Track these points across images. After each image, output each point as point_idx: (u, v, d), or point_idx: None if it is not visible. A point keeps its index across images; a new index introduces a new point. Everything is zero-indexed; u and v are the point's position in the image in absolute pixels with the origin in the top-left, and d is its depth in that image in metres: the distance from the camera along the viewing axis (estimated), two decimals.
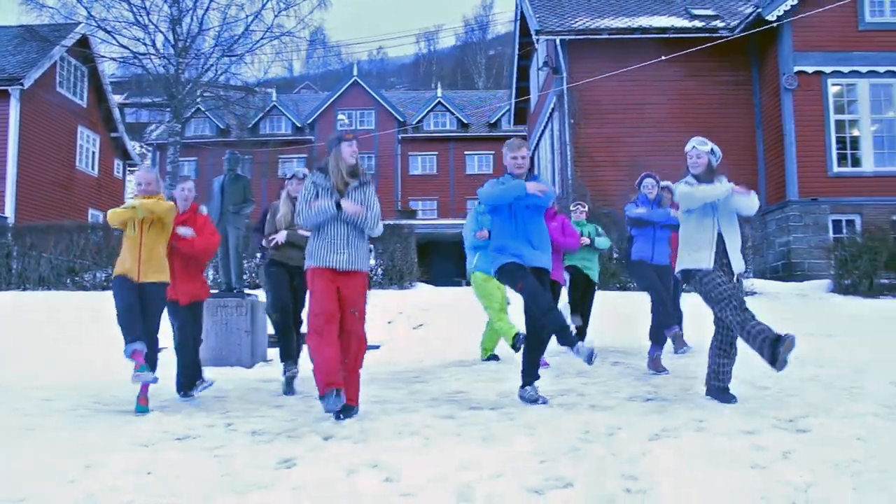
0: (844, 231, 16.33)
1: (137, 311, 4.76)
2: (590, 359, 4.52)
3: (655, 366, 6.15)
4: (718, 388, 4.63)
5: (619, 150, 18.30)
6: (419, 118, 38.08)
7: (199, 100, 21.67)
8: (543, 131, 22.41)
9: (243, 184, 8.93)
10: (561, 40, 18.60)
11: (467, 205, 34.90)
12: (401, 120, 37.03)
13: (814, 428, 3.78)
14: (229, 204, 8.72)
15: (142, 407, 4.77)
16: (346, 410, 4.38)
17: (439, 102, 38.40)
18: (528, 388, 4.78)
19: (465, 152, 38.20)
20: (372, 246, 12.08)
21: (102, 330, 7.69)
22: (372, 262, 13.99)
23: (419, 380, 6.30)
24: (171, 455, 3.51)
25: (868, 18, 17.11)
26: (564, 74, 18.83)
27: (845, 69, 16.99)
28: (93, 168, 24.83)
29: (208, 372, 6.98)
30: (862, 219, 16.34)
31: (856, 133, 17.09)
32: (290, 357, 5.88)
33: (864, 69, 16.98)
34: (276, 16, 21.75)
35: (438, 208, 37.80)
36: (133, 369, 4.68)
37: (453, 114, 38.45)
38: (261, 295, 9.03)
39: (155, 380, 4.80)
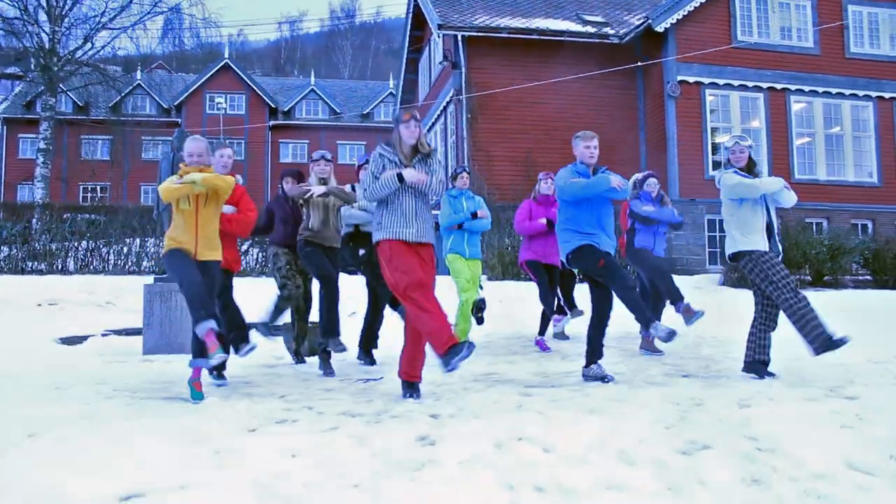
0: (717, 230, 17.81)
1: (202, 286, 4.45)
2: (669, 337, 4.79)
3: (687, 314, 6.64)
4: (760, 363, 5.06)
5: (513, 146, 18.94)
6: (291, 105, 37.25)
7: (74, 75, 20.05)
8: (434, 125, 22.67)
9: None
10: (462, 36, 18.90)
11: None
12: (272, 106, 36.07)
13: (860, 395, 4.26)
14: None
15: (197, 392, 4.46)
16: (416, 389, 4.39)
17: (312, 90, 37.74)
18: (593, 366, 4.98)
19: (338, 141, 37.81)
20: None
21: None
22: None
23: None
24: (298, 438, 3.39)
25: (739, 37, 18.73)
26: (463, 70, 19.18)
27: (720, 81, 18.51)
28: None
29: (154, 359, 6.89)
30: None
31: (723, 140, 18.65)
32: (335, 333, 5.62)
33: (735, 82, 18.58)
34: None
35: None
36: (208, 351, 4.32)
37: (326, 102, 37.93)
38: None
39: (201, 396, 4.47)
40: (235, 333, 5.26)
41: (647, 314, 4.89)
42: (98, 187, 32.71)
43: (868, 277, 14.98)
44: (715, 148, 18.40)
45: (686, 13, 18.13)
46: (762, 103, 18.73)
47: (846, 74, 18.96)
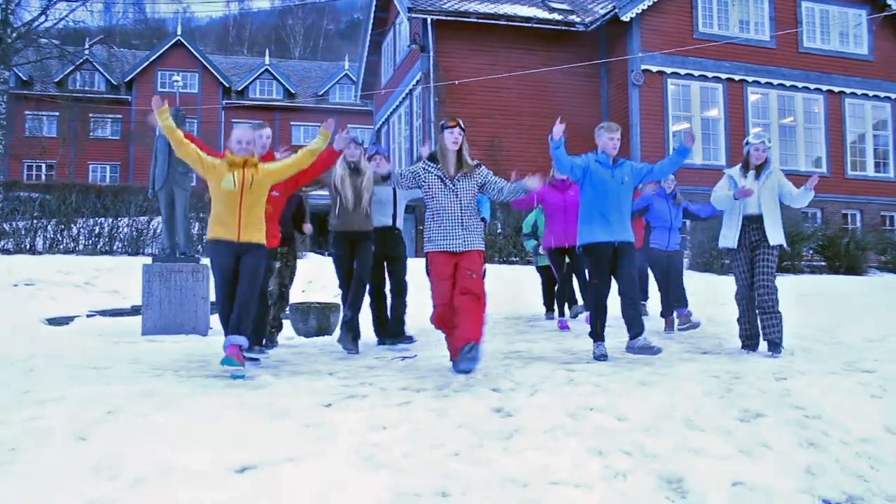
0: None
1: (230, 300, 4.58)
2: (601, 358, 5.20)
3: (683, 322, 7.05)
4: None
5: (478, 130, 19.05)
6: (245, 85, 36.62)
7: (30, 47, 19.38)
8: (398, 107, 22.67)
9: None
10: (431, 20, 18.94)
11: None
12: (226, 85, 35.39)
13: (876, 370, 4.61)
14: (178, 163, 8.18)
15: (235, 369, 4.50)
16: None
17: (267, 70, 37.15)
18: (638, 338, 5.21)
19: (292, 122, 37.30)
20: None
21: None
22: None
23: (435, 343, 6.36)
24: (377, 412, 3.51)
25: (701, 28, 19.26)
26: (431, 54, 19.23)
27: (682, 71, 19.02)
28: None
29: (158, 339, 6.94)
30: None
31: (684, 127, 19.22)
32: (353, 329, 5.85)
33: (696, 73, 19.13)
34: None
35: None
36: (232, 364, 4.42)
37: (280, 83, 37.40)
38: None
39: (242, 376, 4.51)
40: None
41: (601, 333, 5.26)
42: (44, 165, 31.65)
43: (823, 263, 15.71)
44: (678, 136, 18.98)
45: (651, 4, 18.54)
46: (721, 93, 19.34)
47: (799, 68, 19.71)
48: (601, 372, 4.47)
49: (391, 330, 6.36)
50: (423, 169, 4.92)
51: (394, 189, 6.23)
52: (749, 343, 5.59)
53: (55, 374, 4.49)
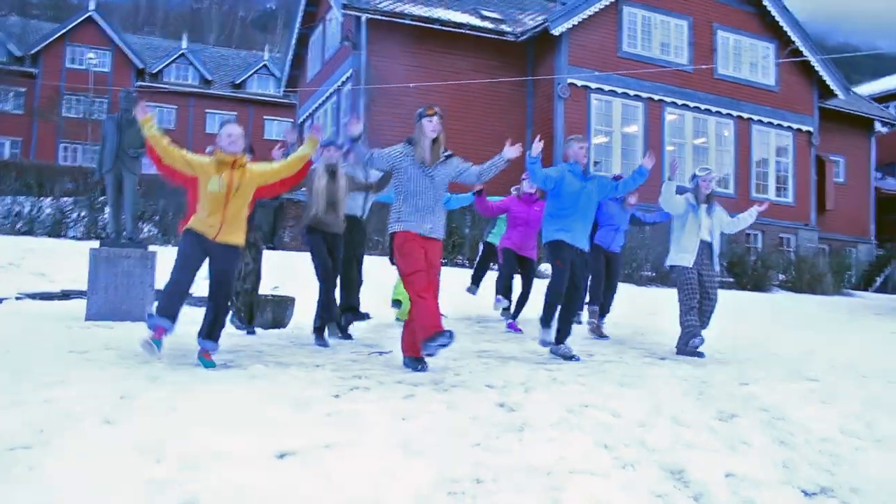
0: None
1: (188, 288, 4.61)
2: (564, 355, 5.54)
3: (595, 331, 7.38)
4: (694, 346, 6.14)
5: (407, 132, 19.09)
6: (160, 68, 35.44)
7: None
8: (324, 102, 22.56)
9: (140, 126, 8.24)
10: (366, 18, 18.97)
11: None
12: (140, 67, 34.15)
13: (820, 379, 5.10)
14: (128, 147, 7.99)
15: (209, 362, 4.54)
16: (423, 363, 4.78)
17: (183, 55, 36.09)
18: (561, 346, 5.57)
19: (206, 110, 36.45)
20: None
21: None
22: None
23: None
24: (388, 404, 3.66)
25: (625, 48, 20.13)
26: (363, 52, 19.28)
27: (606, 87, 19.81)
28: None
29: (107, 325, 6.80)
30: None
31: (604, 140, 20.03)
32: (332, 320, 6.03)
33: (619, 90, 19.97)
34: None
35: None
36: (150, 338, 4.42)
37: (197, 68, 36.41)
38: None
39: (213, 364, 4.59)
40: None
41: (550, 321, 5.59)
42: None
43: (731, 280, 16.72)
44: (599, 150, 19.74)
45: (580, 20, 19.22)
46: (641, 111, 20.25)
47: (713, 93, 20.90)
48: (579, 372, 4.77)
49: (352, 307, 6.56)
50: (401, 153, 4.98)
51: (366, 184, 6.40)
52: (693, 334, 6.09)
53: (39, 357, 4.41)
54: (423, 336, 4.52)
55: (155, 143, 4.69)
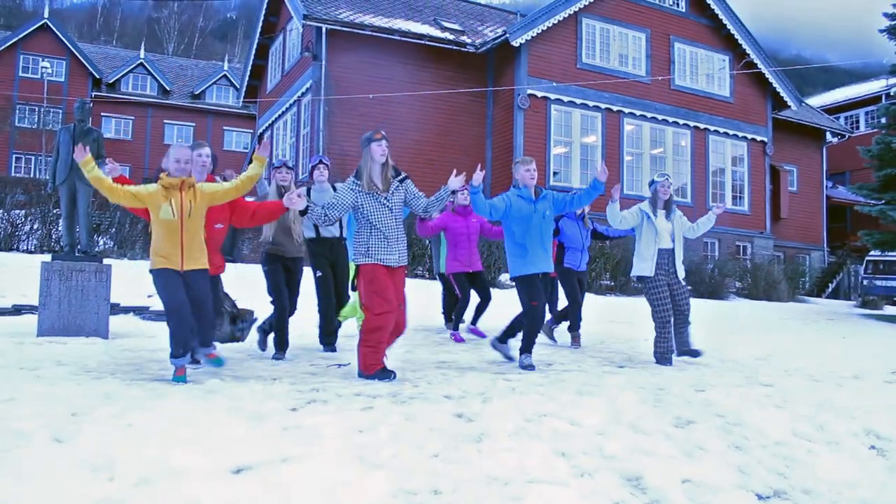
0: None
1: (188, 318, 4.49)
2: (523, 366, 5.59)
3: (574, 342, 7.51)
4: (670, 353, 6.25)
5: None
6: (117, 77, 34.88)
7: None
8: (284, 113, 22.43)
9: (95, 136, 8.09)
10: (326, 29, 18.93)
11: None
12: (96, 76, 33.56)
13: (773, 384, 5.20)
14: None
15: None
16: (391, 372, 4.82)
17: (141, 64, 35.56)
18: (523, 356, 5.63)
19: (165, 121, 35.94)
20: None
21: None
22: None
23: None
24: (347, 416, 3.62)
25: (584, 59, 20.40)
26: (324, 63, 19.22)
27: (565, 98, 20.04)
28: None
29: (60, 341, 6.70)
30: None
31: (563, 151, 20.23)
32: (282, 348, 6.01)
33: (578, 100, 20.21)
34: None
35: (130, 176, 35.01)
36: (175, 375, 4.45)
37: (155, 78, 35.92)
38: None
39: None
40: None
41: (531, 348, 5.66)
42: None
43: (688, 287, 16.95)
44: (558, 159, 19.94)
45: (540, 32, 19.44)
46: (600, 122, 20.53)
47: (671, 104, 21.29)
48: (538, 382, 4.78)
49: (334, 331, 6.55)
50: (351, 190, 4.90)
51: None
52: (666, 358, 6.13)
53: None
54: (363, 370, 4.81)
55: (98, 186, 4.58)
